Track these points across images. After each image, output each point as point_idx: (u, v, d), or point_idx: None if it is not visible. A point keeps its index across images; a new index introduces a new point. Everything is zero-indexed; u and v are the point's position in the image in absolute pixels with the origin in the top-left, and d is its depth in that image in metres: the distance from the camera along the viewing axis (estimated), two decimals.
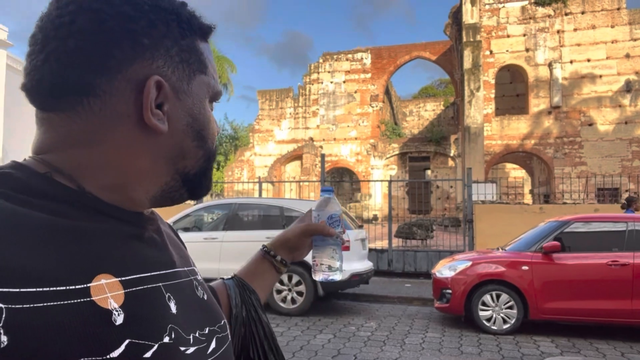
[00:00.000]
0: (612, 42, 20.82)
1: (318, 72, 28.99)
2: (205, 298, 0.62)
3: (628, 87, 20.54)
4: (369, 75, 28.26)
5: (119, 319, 0.45)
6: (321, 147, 28.49)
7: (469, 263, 6.18)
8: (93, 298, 0.44)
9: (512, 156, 24.58)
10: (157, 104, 0.52)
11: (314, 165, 28.02)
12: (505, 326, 5.86)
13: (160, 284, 0.52)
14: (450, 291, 6.13)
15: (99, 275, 0.46)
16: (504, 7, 22.01)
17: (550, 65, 21.30)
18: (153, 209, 0.62)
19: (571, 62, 21.21)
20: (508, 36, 21.96)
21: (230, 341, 0.64)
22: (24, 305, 0.39)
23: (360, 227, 7.79)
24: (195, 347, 0.53)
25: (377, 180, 23.48)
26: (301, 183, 23.86)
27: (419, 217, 25.28)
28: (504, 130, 22.24)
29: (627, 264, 5.53)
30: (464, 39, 21.29)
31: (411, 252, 9.61)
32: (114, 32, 0.50)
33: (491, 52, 22.07)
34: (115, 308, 0.45)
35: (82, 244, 0.46)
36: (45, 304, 0.41)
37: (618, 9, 20.89)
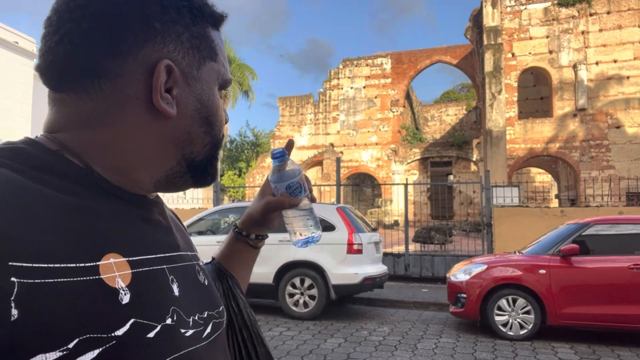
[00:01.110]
0: None
1: (338, 78, 29.04)
2: (206, 283, 0.63)
3: None
4: (389, 80, 28.14)
5: (126, 298, 0.45)
6: (341, 152, 28.47)
7: (485, 267, 6.04)
8: (102, 276, 0.44)
9: (537, 160, 24.02)
10: (166, 88, 0.53)
11: (334, 170, 28.01)
12: (522, 332, 5.69)
13: (165, 267, 0.53)
14: (465, 295, 6.00)
15: (108, 254, 0.46)
16: (526, 9, 21.64)
17: (575, 67, 20.79)
18: (158, 193, 0.63)
19: (597, 63, 20.66)
20: (530, 38, 21.56)
21: (224, 328, 0.64)
22: (36, 281, 0.40)
23: (374, 230, 7.72)
24: (194, 330, 0.54)
25: (393, 184, 23.36)
26: (322, 188, 23.91)
27: (441, 222, 25.00)
28: (527, 134, 21.79)
29: None
30: (485, 42, 21.01)
31: (428, 256, 9.47)
32: (126, 16, 0.51)
33: (513, 54, 21.70)
34: (122, 287, 0.46)
35: (91, 223, 0.47)
36: (55, 280, 0.41)
37: None
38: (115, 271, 0.46)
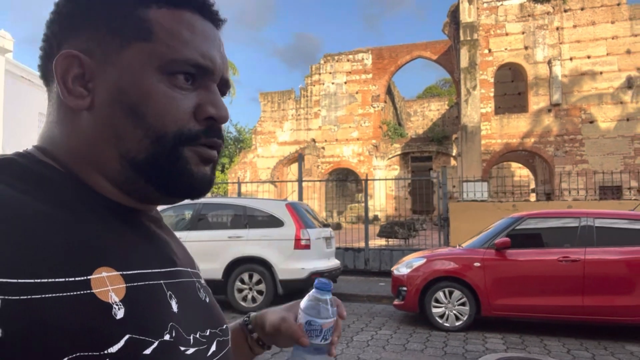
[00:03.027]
0: (613, 38, 20.48)
1: (319, 74, 29.10)
2: (208, 301, 0.61)
3: (629, 84, 20.17)
4: (370, 75, 28.26)
5: (120, 313, 0.43)
6: (323, 148, 28.60)
7: (424, 260, 6.19)
8: (93, 290, 0.43)
9: (515, 155, 24.32)
10: (85, 81, 0.51)
11: (316, 166, 28.13)
12: (458, 323, 5.85)
13: (162, 282, 0.51)
14: (405, 288, 6.16)
15: (100, 267, 0.44)
16: (502, 4, 21.83)
17: (549, 62, 21.05)
18: (157, 209, 0.61)
19: (571, 59, 20.92)
20: (506, 34, 21.77)
21: (230, 347, 0.62)
22: (21, 297, 0.38)
23: (326, 226, 7.84)
24: (196, 348, 0.52)
25: (366, 180, 23.62)
26: (303, 183, 24.00)
27: (420, 216, 25.15)
28: (503, 129, 22.04)
29: (578, 260, 5.49)
30: (461, 38, 21.16)
31: (387, 251, 9.63)
32: (56, 17, 0.53)
33: (490, 50, 21.91)
34: (116, 302, 0.44)
35: (82, 236, 0.45)
36: (43, 296, 0.39)
37: (618, 4, 20.54)
38: (108, 285, 0.44)
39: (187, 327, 0.52)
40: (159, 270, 0.52)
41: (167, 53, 0.51)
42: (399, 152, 28.27)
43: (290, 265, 6.68)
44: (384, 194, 27.24)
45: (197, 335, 0.53)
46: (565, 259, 5.54)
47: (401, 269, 6.38)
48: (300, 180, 10.10)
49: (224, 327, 0.62)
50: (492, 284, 5.74)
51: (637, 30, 20.30)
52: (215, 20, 0.57)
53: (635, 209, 6.29)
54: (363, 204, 25.71)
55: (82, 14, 0.52)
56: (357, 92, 28.47)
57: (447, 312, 5.90)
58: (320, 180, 21.89)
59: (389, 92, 30.50)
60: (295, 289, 6.81)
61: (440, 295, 5.94)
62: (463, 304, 5.87)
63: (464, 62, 20.66)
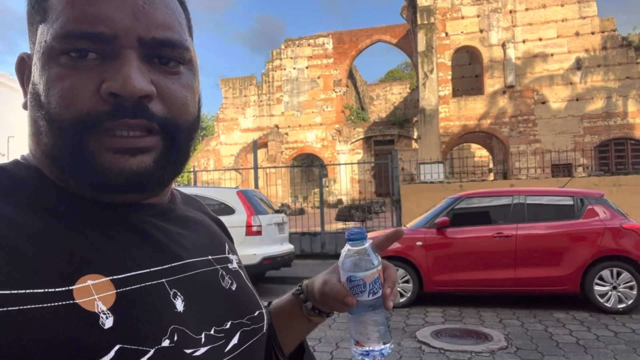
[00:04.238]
0: (562, 21, 21.19)
1: (281, 59, 28.90)
2: (234, 288, 0.57)
3: (578, 65, 20.99)
4: (332, 60, 28.28)
5: (108, 322, 0.41)
6: (287, 134, 28.58)
7: (370, 241, 6.41)
8: (77, 301, 0.41)
9: (473, 136, 24.99)
10: (27, 80, 0.50)
11: (280, 152, 28.13)
12: (402, 299, 6.14)
13: (164, 280, 0.48)
14: None
15: (85, 276, 0.42)
16: None
17: (503, 45, 21.62)
18: (170, 195, 0.59)
19: (524, 41, 21.55)
20: (462, 17, 22.18)
21: (264, 333, 0.59)
22: None
23: (278, 211, 7.98)
24: (209, 347, 0.49)
25: (314, 166, 23.77)
26: (267, 170, 23.98)
27: (384, 199, 25.60)
28: (461, 111, 22.61)
29: (511, 236, 5.84)
30: (419, 22, 21.44)
31: (343, 234, 9.86)
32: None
33: (447, 34, 22.29)
34: (103, 310, 0.41)
35: (67, 242, 0.43)
36: (20, 308, 0.38)
37: None
38: (94, 294, 0.42)
39: (198, 325, 0.49)
40: (159, 268, 0.49)
41: (54, 30, 0.45)
42: (362, 136, 28.57)
43: (242, 252, 6.67)
44: (348, 178, 27.54)
45: (212, 332, 0.50)
46: (499, 235, 5.88)
47: None
48: (255, 168, 10.18)
49: (256, 313, 0.58)
50: (433, 261, 6.04)
51: (585, 12, 21.07)
52: None
53: (565, 185, 6.70)
54: (327, 189, 26.01)
55: (27, 12, 0.50)
56: (318, 77, 28.47)
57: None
58: (275, 167, 21.95)
59: (351, 76, 30.63)
60: (249, 274, 6.92)
61: None
62: (407, 282, 6.15)
63: (421, 45, 20.97)
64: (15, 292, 0.38)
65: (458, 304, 6.16)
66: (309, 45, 28.54)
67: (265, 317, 0.61)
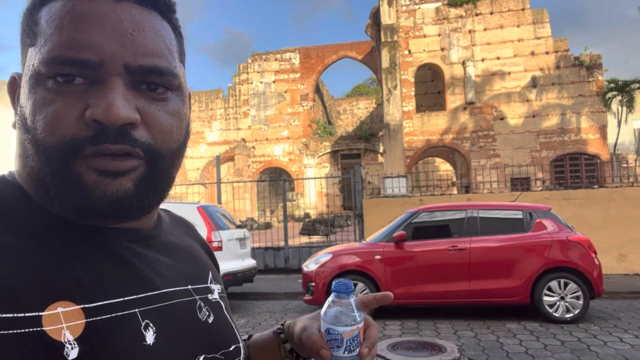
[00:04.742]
0: (519, 41, 22.16)
1: (247, 73, 28.94)
2: (211, 321, 0.56)
3: (534, 83, 21.94)
4: (298, 75, 28.53)
5: (73, 353, 0.40)
6: (254, 147, 28.51)
7: (330, 256, 6.49)
8: (44, 328, 0.39)
9: (437, 150, 25.63)
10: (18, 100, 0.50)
11: (247, 166, 27.99)
12: None
13: (137, 310, 0.47)
14: (314, 284, 6.42)
15: (56, 302, 0.41)
16: (419, 8, 22.91)
17: (463, 63, 22.39)
18: (157, 221, 0.58)
19: (482, 60, 22.38)
20: (424, 36, 22.87)
21: None
22: None
23: (240, 226, 7.95)
24: None
25: (281, 180, 23.84)
26: (233, 184, 23.82)
27: (348, 212, 25.78)
28: (424, 127, 23.17)
29: (465, 249, 6.02)
30: (382, 39, 21.97)
31: (307, 248, 9.90)
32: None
33: (410, 51, 22.92)
34: (69, 340, 0.40)
35: (41, 266, 0.42)
36: None
37: (523, 9, 22.26)
38: (63, 322, 0.40)
39: (167, 357, 0.48)
40: (134, 297, 0.48)
41: (42, 55, 0.45)
42: (328, 150, 28.81)
43: None
44: (315, 192, 27.66)
45: None
46: (454, 248, 6.06)
47: (310, 266, 6.63)
48: (218, 182, 10.12)
49: (231, 348, 0.57)
50: (391, 274, 6.15)
51: (539, 33, 22.12)
52: None
53: (516, 200, 6.98)
54: (295, 203, 26.01)
55: (20, 34, 0.51)
56: (285, 91, 28.64)
57: None
58: (240, 181, 21.80)
59: (318, 90, 30.96)
60: None
61: None
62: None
63: (385, 62, 21.47)
64: None
65: (416, 317, 6.27)
66: (275, 59, 28.73)
67: (242, 352, 0.59)
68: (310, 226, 11.60)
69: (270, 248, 9.81)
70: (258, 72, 28.84)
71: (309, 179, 22.15)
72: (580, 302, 5.74)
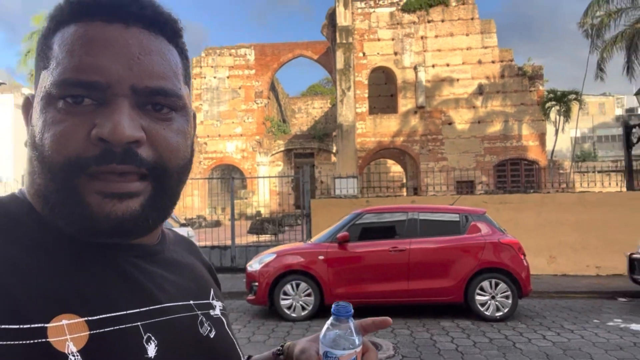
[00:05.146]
0: (467, 49, 23.02)
1: (201, 67, 28.35)
2: (212, 336, 0.56)
3: (480, 90, 22.88)
4: (253, 71, 28.27)
5: None
6: (205, 143, 27.98)
7: (274, 256, 6.52)
8: (49, 339, 0.40)
9: (388, 152, 26.18)
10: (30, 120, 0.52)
11: (198, 162, 27.43)
12: (304, 312, 6.28)
13: (139, 323, 0.48)
14: (257, 283, 6.42)
15: (60, 315, 0.42)
16: (374, 11, 23.31)
17: (415, 68, 23.00)
18: (161, 237, 0.59)
19: (433, 66, 23.08)
20: (379, 40, 23.30)
21: None
22: None
23: (184, 225, 7.83)
24: None
25: (231, 178, 23.70)
26: None
27: (299, 211, 25.83)
28: (377, 128, 23.62)
29: (405, 250, 6.22)
30: (338, 40, 22.19)
31: (254, 247, 9.87)
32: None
33: (364, 54, 23.27)
34: (72, 352, 0.41)
35: (46, 279, 0.43)
36: None
37: (472, 19, 23.14)
38: (67, 334, 0.42)
39: None
40: (137, 310, 0.49)
41: (53, 77, 0.48)
42: (282, 149, 28.75)
43: None
44: (267, 190, 27.53)
45: None
46: (395, 249, 6.25)
47: (254, 265, 6.63)
48: None
49: None
50: (334, 275, 6.26)
51: (487, 43, 23.07)
52: (131, 20, 0.50)
53: (454, 203, 7.28)
54: (247, 201, 25.78)
55: (35, 58, 0.54)
56: (240, 88, 28.31)
57: (294, 304, 6.30)
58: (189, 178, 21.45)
59: (273, 88, 30.82)
60: None
61: (288, 288, 6.32)
62: (309, 295, 6.31)
63: (339, 63, 21.70)
64: None
65: (356, 315, 6.38)
66: (230, 55, 28.32)
67: None
68: (258, 225, 11.57)
69: (216, 247, 9.70)
70: (212, 66, 28.33)
71: (259, 177, 22.06)
72: (510, 301, 6.09)
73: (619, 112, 43.78)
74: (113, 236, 0.49)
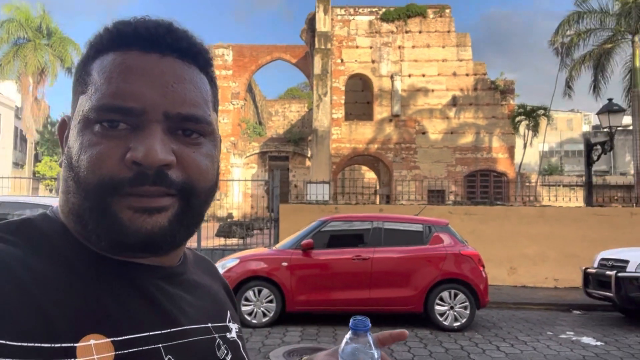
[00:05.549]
0: (443, 61, 23.45)
1: None
2: (229, 359, 0.58)
3: (454, 102, 23.32)
4: (230, 72, 28.08)
5: None
6: None
7: (237, 261, 6.48)
8: (78, 359, 0.41)
9: (363, 159, 26.39)
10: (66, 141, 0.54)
11: None
12: (265, 319, 6.26)
13: (160, 345, 0.49)
14: None
15: (89, 335, 0.43)
16: (354, 19, 23.52)
17: (392, 77, 23.28)
18: (182, 259, 0.60)
19: (409, 75, 23.41)
20: (357, 47, 23.50)
21: None
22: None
23: None
24: None
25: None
26: None
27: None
28: (352, 135, 23.78)
29: (368, 258, 6.28)
30: (316, 46, 22.28)
31: (220, 250, 9.77)
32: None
33: (342, 60, 23.43)
34: None
35: (79, 297, 0.44)
36: None
37: (448, 31, 23.60)
38: (94, 354, 0.43)
39: None
40: (158, 332, 0.50)
41: (91, 102, 0.51)
42: (257, 151, 28.63)
43: None
44: (240, 192, 27.33)
45: None
46: (358, 257, 6.30)
47: None
48: None
49: None
50: (297, 282, 6.26)
51: (462, 56, 23.55)
52: (166, 50, 0.53)
53: (419, 213, 7.39)
54: (218, 202, 25.51)
55: (73, 82, 0.57)
56: None
57: (255, 310, 6.27)
58: None
59: (250, 90, 30.68)
60: None
61: (250, 294, 6.28)
62: (271, 302, 6.29)
63: (317, 69, 21.79)
64: (24, 344, 0.40)
65: (317, 323, 6.43)
66: None
67: None
68: (226, 228, 11.46)
69: None
70: None
71: (229, 180, 21.90)
72: (467, 311, 6.21)
73: (586, 128, 45.32)
74: (144, 251, 0.51)
